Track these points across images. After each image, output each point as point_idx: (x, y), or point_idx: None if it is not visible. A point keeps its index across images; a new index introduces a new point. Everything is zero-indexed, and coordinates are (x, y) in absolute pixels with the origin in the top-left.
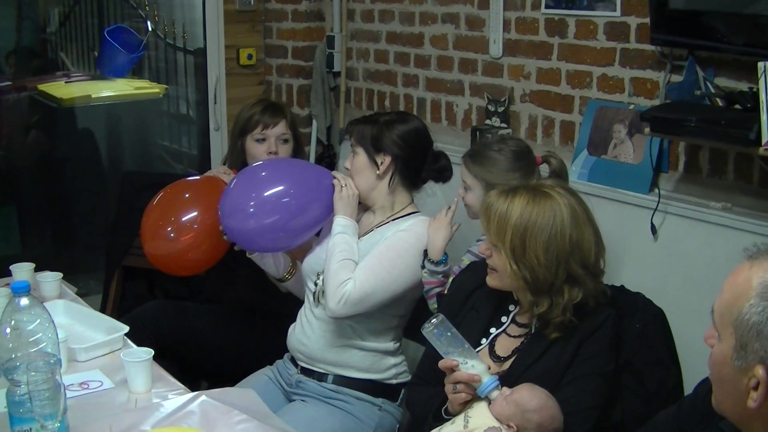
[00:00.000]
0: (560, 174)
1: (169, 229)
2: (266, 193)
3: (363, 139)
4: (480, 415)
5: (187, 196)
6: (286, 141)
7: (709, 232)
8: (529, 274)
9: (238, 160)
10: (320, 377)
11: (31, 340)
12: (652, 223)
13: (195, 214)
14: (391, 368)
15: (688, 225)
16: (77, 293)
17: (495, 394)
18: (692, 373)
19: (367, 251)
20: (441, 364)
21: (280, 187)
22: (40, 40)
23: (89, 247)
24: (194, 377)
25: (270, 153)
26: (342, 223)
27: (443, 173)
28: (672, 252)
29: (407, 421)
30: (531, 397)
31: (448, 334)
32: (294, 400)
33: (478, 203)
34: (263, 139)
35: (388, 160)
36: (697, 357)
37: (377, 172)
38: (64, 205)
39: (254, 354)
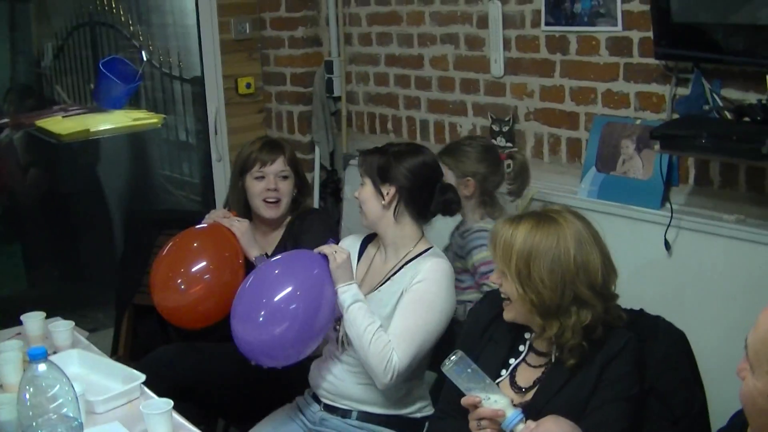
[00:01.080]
0: (521, 172)
1: (180, 281)
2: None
3: (371, 169)
4: None
5: (195, 245)
6: (285, 177)
7: (724, 246)
8: (536, 297)
9: (239, 198)
10: (344, 414)
11: (52, 406)
12: (665, 238)
13: (205, 265)
14: (416, 402)
15: (702, 239)
16: (87, 328)
17: (520, 427)
18: (713, 391)
19: (387, 302)
20: (464, 401)
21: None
22: (36, 75)
23: (97, 282)
24: (212, 416)
25: (269, 189)
26: (351, 293)
27: (450, 206)
28: (687, 267)
29: None
30: (557, 430)
31: (468, 370)
32: None
33: None
34: (262, 177)
35: (392, 190)
36: (717, 374)
37: (382, 202)
38: (69, 241)
39: (273, 391)
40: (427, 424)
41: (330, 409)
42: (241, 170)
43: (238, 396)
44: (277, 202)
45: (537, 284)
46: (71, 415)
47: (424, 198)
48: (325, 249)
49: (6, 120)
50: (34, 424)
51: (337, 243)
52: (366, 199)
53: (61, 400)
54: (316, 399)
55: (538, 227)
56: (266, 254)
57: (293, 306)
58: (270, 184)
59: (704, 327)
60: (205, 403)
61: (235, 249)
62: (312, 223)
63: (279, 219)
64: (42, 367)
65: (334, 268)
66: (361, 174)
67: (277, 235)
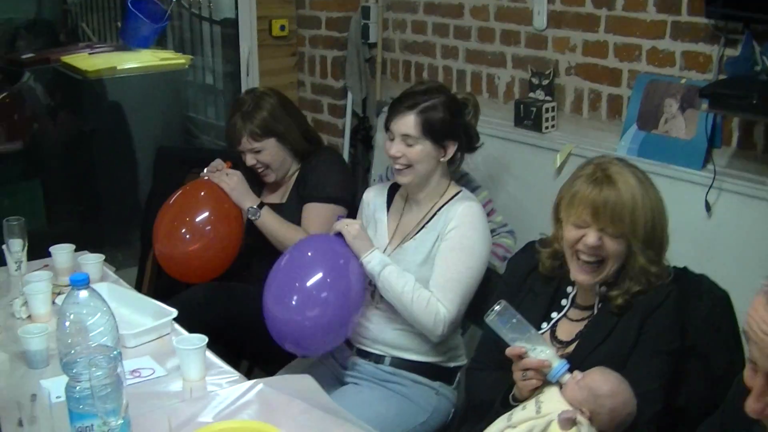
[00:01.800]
0: (477, 113)
1: (184, 230)
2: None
3: (429, 128)
4: (552, 399)
5: (202, 194)
6: (257, 151)
7: (766, 209)
8: (656, 254)
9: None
10: (377, 359)
11: (91, 334)
12: (706, 200)
13: (207, 216)
14: (450, 351)
15: (744, 202)
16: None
17: (566, 378)
18: None
19: (422, 249)
20: (509, 351)
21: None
22: (61, 11)
23: (117, 221)
24: (236, 357)
25: (253, 165)
26: (376, 260)
27: (472, 143)
28: (727, 230)
29: (462, 405)
30: (604, 381)
31: (513, 320)
32: (347, 383)
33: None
34: (242, 153)
35: (454, 147)
36: None
37: (441, 159)
38: (91, 179)
39: None
40: (459, 374)
41: (363, 354)
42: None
43: (260, 336)
44: (266, 169)
45: (661, 239)
46: (110, 345)
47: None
48: (336, 226)
49: (31, 54)
50: (72, 351)
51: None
52: (422, 158)
53: (101, 329)
54: (348, 344)
55: (639, 184)
56: (258, 205)
57: (324, 296)
58: (249, 160)
59: (741, 290)
60: (233, 344)
61: (231, 202)
62: (318, 160)
63: (283, 174)
64: (84, 294)
65: (350, 241)
66: (416, 136)
67: (292, 179)
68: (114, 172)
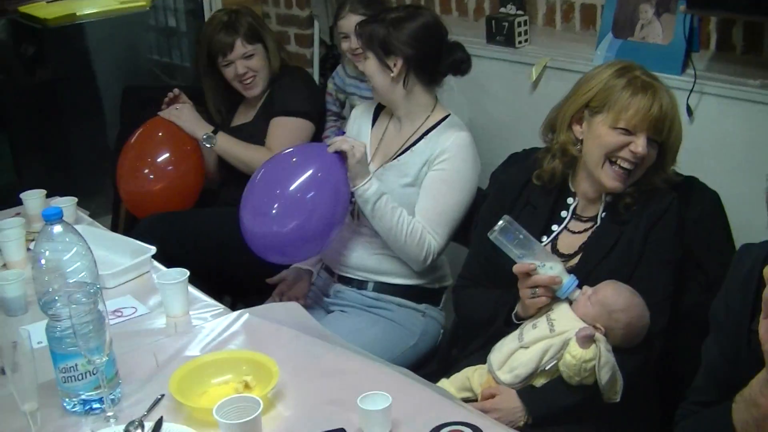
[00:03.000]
0: None
1: (147, 171)
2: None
3: (371, 42)
4: (564, 317)
5: (161, 134)
6: (251, 56)
7: (747, 110)
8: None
9: (216, 79)
10: (360, 285)
11: (68, 270)
12: (687, 104)
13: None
14: (434, 272)
15: (726, 104)
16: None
17: (576, 293)
18: None
19: (406, 171)
20: (517, 268)
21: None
22: None
23: (88, 170)
24: (217, 292)
25: (240, 74)
26: (374, 188)
27: (461, 65)
28: (710, 132)
29: (452, 325)
30: (617, 295)
31: (521, 236)
32: (332, 311)
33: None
34: (229, 64)
35: (400, 62)
36: (744, 239)
37: (391, 75)
38: (58, 129)
39: (281, 264)
40: (445, 294)
41: (345, 280)
42: (209, 57)
43: (242, 268)
44: (253, 79)
45: (673, 155)
46: (89, 281)
47: (432, 62)
48: (342, 145)
49: None
50: (50, 290)
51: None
52: (372, 73)
53: (78, 264)
54: (330, 272)
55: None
56: (212, 132)
57: (309, 197)
58: (238, 69)
59: (728, 191)
60: (204, 274)
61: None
62: (286, 78)
63: (263, 87)
64: (58, 228)
65: (353, 163)
66: (362, 48)
67: (259, 101)
68: (81, 119)
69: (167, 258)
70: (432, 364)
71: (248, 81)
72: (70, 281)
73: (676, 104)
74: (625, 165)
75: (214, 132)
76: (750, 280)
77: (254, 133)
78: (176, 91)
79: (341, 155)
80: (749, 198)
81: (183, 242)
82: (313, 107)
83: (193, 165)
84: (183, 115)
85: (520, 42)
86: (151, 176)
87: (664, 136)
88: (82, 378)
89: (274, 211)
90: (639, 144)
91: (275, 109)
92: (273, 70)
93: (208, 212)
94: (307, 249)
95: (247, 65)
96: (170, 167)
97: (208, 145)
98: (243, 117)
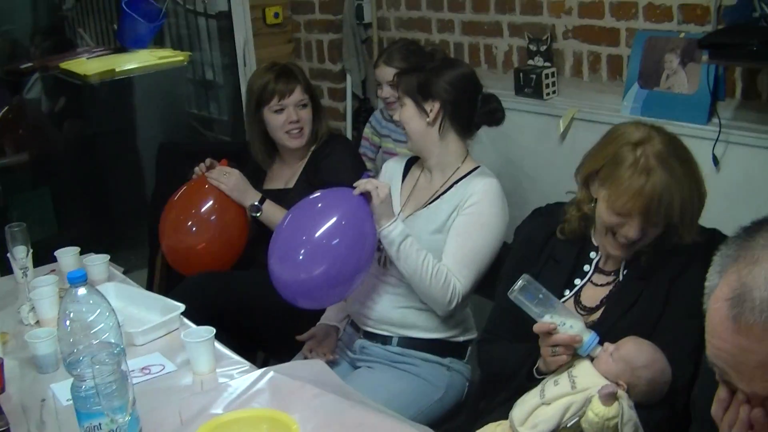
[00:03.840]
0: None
1: (190, 224)
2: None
3: (410, 88)
4: (586, 374)
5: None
6: (304, 106)
7: None
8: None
9: (259, 131)
10: (384, 340)
11: (92, 331)
12: (713, 153)
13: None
14: (458, 325)
15: (752, 153)
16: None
17: (598, 350)
18: None
19: (435, 219)
20: (537, 328)
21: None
22: (58, 18)
23: (127, 223)
24: (251, 349)
25: (291, 122)
26: (398, 230)
27: (495, 115)
28: (737, 182)
29: (479, 379)
30: (639, 352)
31: (540, 296)
32: (359, 367)
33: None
34: (281, 109)
35: (437, 106)
36: None
37: (427, 119)
38: (98, 183)
39: (312, 321)
40: (470, 347)
41: (369, 336)
42: (257, 103)
43: (276, 327)
44: (301, 131)
45: (687, 227)
46: (113, 341)
47: (468, 110)
48: (367, 186)
49: (30, 64)
50: (75, 350)
51: (361, 173)
52: (409, 119)
53: (102, 325)
54: (356, 327)
55: (678, 176)
56: (259, 202)
57: (335, 243)
58: (291, 116)
59: None
60: (241, 335)
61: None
62: (333, 148)
63: (304, 148)
64: (82, 291)
65: (377, 204)
66: (400, 96)
67: (301, 165)
68: (120, 173)
69: (206, 317)
70: (459, 417)
71: (296, 131)
72: (95, 342)
73: (682, 186)
74: (623, 240)
75: (261, 201)
76: None
77: (297, 200)
78: (212, 162)
79: (366, 198)
80: None
81: (221, 302)
82: (357, 178)
83: (239, 222)
84: (231, 182)
85: (548, 94)
86: (194, 229)
87: (659, 219)
88: None
89: (300, 257)
90: (631, 228)
91: (321, 179)
92: (317, 130)
93: (245, 275)
94: (334, 293)
95: (299, 113)
96: (214, 219)
97: (255, 215)
98: (280, 180)
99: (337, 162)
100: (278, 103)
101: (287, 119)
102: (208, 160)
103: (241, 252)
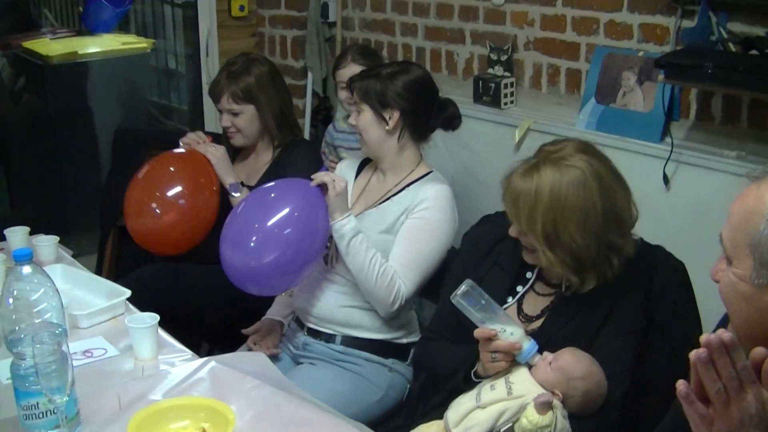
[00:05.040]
0: None
1: (154, 205)
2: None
3: (367, 95)
4: (523, 381)
5: (171, 170)
6: (235, 114)
7: (723, 181)
8: (569, 256)
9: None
10: (328, 338)
11: (35, 310)
12: (664, 172)
13: (180, 190)
14: (403, 327)
15: (702, 174)
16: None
17: (536, 359)
18: (710, 326)
19: (384, 219)
20: (478, 333)
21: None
22: None
23: (81, 207)
24: (195, 340)
25: (223, 125)
26: (351, 225)
27: (453, 121)
28: (685, 202)
29: (419, 381)
30: (576, 363)
31: (482, 301)
32: (302, 363)
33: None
34: (220, 111)
35: (396, 115)
36: (714, 308)
37: (386, 128)
38: (54, 165)
39: (257, 316)
40: (413, 350)
41: (313, 333)
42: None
43: (221, 319)
44: (237, 133)
45: (568, 243)
46: (55, 321)
47: (425, 116)
48: (324, 178)
49: None
50: (17, 328)
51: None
52: (367, 126)
53: (45, 305)
54: (300, 324)
55: (560, 182)
56: (241, 182)
57: (286, 233)
58: (224, 121)
59: (701, 262)
60: (186, 325)
61: (210, 175)
62: (298, 155)
63: (258, 147)
64: (27, 269)
65: (333, 196)
66: (356, 101)
67: (263, 166)
68: (76, 157)
69: (154, 307)
70: (398, 418)
71: (230, 133)
72: (37, 321)
73: (561, 201)
74: (522, 243)
75: (242, 183)
76: None
77: None
78: (203, 136)
79: (323, 190)
80: None
81: (170, 293)
82: None
83: (209, 202)
84: (219, 153)
85: (505, 103)
86: (159, 210)
87: (536, 229)
88: (43, 416)
89: (252, 244)
90: (512, 228)
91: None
92: (272, 131)
93: (197, 268)
94: (283, 282)
95: (232, 120)
96: (182, 200)
97: (235, 193)
98: (241, 174)
99: (301, 172)
100: (216, 105)
101: (222, 122)
102: (198, 132)
103: (208, 232)
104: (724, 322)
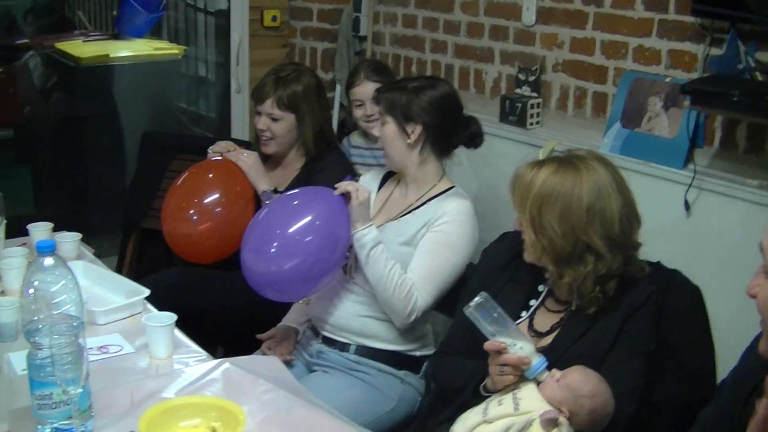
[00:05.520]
0: None
1: (192, 212)
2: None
3: (392, 107)
4: (530, 397)
5: (210, 177)
6: (275, 119)
7: (745, 210)
8: (547, 243)
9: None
10: (342, 347)
11: (54, 302)
12: (685, 198)
13: (217, 197)
14: (417, 340)
15: (723, 202)
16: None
17: (544, 375)
18: (724, 354)
19: (404, 232)
20: (488, 346)
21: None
22: None
23: (104, 209)
24: (210, 344)
25: (260, 129)
26: (372, 234)
27: (475, 139)
28: (705, 229)
29: (431, 394)
30: (584, 381)
31: (494, 314)
32: (315, 371)
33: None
34: (258, 114)
35: (419, 129)
36: (729, 337)
37: (408, 141)
38: (80, 166)
39: (273, 323)
40: (426, 363)
41: (328, 341)
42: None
43: (238, 325)
44: (270, 139)
45: (548, 231)
46: (74, 314)
47: (448, 132)
48: (348, 187)
49: (25, 40)
50: (35, 318)
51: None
52: (390, 139)
53: (64, 297)
54: (315, 332)
55: (557, 173)
56: (275, 189)
57: (307, 240)
58: (261, 123)
59: (718, 289)
60: (204, 330)
61: (245, 184)
62: (327, 163)
63: (290, 156)
64: (49, 261)
65: (355, 205)
66: (381, 112)
67: (294, 171)
68: (102, 159)
69: (172, 309)
70: (408, 431)
71: (265, 138)
72: (55, 313)
73: (550, 188)
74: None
75: (274, 191)
76: None
77: None
78: (232, 145)
79: (346, 199)
80: (734, 296)
81: (189, 297)
82: None
83: (245, 211)
84: (251, 161)
85: (531, 123)
86: (196, 217)
87: (525, 210)
88: (56, 407)
89: (273, 250)
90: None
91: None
92: (308, 143)
93: (218, 275)
94: (302, 289)
95: (269, 125)
96: (219, 209)
97: (268, 201)
98: (273, 180)
99: (331, 179)
100: (256, 107)
101: (258, 125)
102: (227, 142)
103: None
104: (756, 341)
